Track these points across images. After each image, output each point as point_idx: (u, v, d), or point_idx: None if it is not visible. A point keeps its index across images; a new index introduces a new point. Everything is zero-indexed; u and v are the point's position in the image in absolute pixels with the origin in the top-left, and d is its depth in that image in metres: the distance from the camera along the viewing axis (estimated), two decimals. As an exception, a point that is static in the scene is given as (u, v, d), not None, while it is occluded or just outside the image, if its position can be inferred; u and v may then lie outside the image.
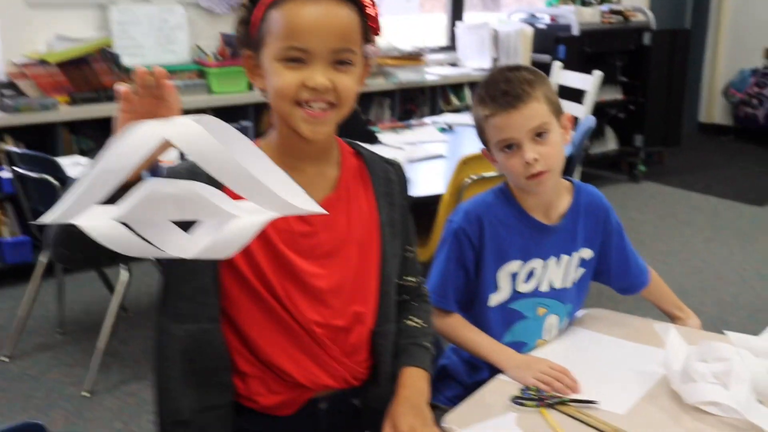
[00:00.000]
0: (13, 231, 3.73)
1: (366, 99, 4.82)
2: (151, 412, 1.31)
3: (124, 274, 2.85)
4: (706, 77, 7.16)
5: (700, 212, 4.92)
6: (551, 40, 5.15)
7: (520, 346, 1.60)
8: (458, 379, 1.70)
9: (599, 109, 4.78)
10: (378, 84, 4.75)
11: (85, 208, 0.86)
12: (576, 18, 5.20)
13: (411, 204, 1.41)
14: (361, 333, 1.32)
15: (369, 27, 1.22)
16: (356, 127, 3.20)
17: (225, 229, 0.87)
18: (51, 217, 0.86)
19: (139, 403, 2.72)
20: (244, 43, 1.24)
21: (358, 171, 1.33)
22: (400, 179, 1.38)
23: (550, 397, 1.37)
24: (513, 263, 1.59)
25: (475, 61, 5.33)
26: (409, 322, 1.41)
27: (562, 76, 4.19)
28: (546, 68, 4.03)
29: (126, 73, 3.96)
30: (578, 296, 1.69)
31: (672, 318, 1.77)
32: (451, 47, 5.61)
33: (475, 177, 2.57)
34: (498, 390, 1.43)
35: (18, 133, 3.68)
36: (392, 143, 3.31)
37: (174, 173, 1.18)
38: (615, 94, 5.61)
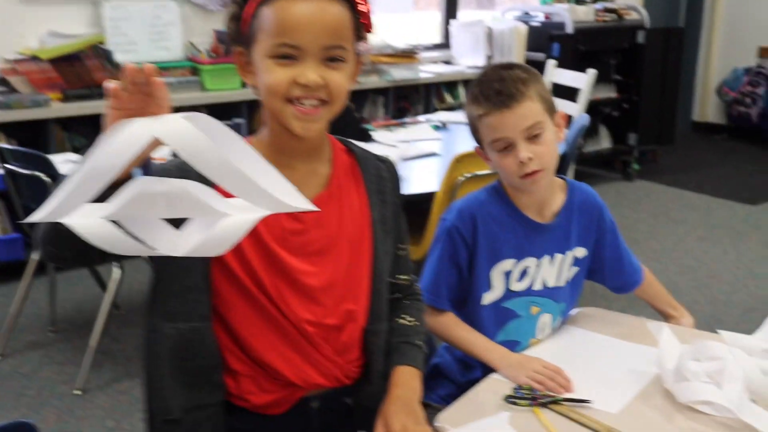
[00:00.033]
0: (5, 228, 3.71)
1: (360, 97, 4.80)
2: (144, 410, 1.31)
3: (116, 272, 2.84)
4: (700, 76, 7.16)
5: (694, 211, 4.93)
6: (545, 38, 5.14)
7: (513, 345, 1.59)
8: (451, 378, 1.69)
9: (593, 108, 4.78)
10: (372, 82, 4.74)
11: (75, 207, 0.86)
12: (570, 16, 5.20)
13: (404, 202, 1.40)
14: (353, 331, 1.31)
15: (361, 24, 1.22)
16: (350, 125, 3.20)
17: (216, 226, 0.86)
18: (40, 215, 0.85)
19: (132, 401, 2.71)
20: (235, 40, 1.23)
21: (349, 168, 1.32)
22: (392, 177, 1.37)
23: (543, 396, 1.37)
24: (506, 262, 1.58)
25: (469, 59, 5.32)
26: (402, 321, 1.40)
27: (556, 74, 4.19)
28: (540, 66, 4.03)
29: (119, 69, 3.94)
30: (572, 295, 1.69)
31: (666, 317, 1.77)
32: (445, 45, 5.60)
33: (468, 175, 2.56)
34: (491, 389, 1.43)
35: (10, 129, 3.66)
36: (386, 141, 3.30)
37: (164, 171, 1.17)
38: (609, 93, 5.61)
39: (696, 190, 5.33)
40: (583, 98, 3.91)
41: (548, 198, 1.61)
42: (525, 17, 5.44)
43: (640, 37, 5.49)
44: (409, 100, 5.09)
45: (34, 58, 3.81)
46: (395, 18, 5.41)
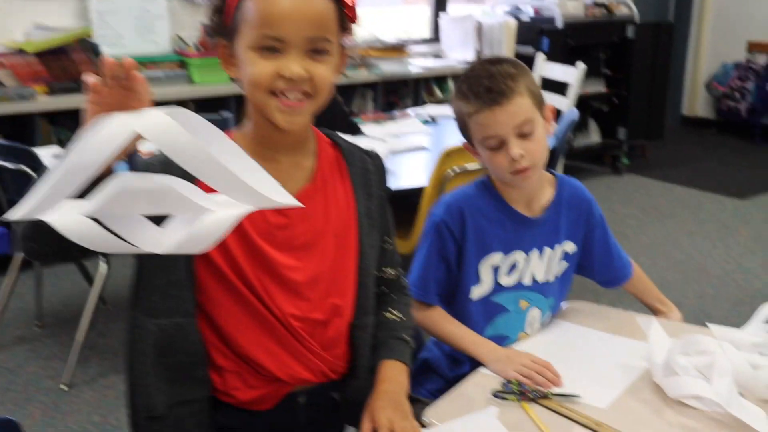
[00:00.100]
0: (-10, 223, 3.68)
1: (349, 91, 4.79)
2: (127, 407, 1.29)
3: (102, 266, 2.81)
4: (689, 70, 7.18)
5: (683, 205, 4.94)
6: (535, 33, 5.14)
7: (502, 340, 1.58)
8: (440, 373, 1.69)
9: (582, 102, 4.79)
10: (361, 75, 4.72)
11: (55, 203, 0.84)
12: (560, 10, 5.19)
13: (393, 196, 1.39)
14: (340, 326, 1.30)
15: (346, 15, 1.20)
16: (339, 119, 3.18)
17: (199, 223, 0.85)
18: (19, 213, 0.84)
19: (118, 396, 2.69)
20: (218, 32, 1.21)
21: (335, 161, 1.31)
22: (378, 170, 1.36)
23: (531, 391, 1.36)
24: (495, 256, 1.57)
25: (458, 53, 5.31)
26: (389, 315, 1.39)
27: (545, 68, 4.19)
28: (529, 60, 4.03)
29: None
30: (561, 290, 1.68)
31: (654, 312, 1.76)
32: (435, 39, 5.59)
33: (457, 169, 2.56)
34: (479, 384, 1.42)
35: (-5, 123, 3.63)
36: (375, 135, 3.28)
37: (147, 166, 1.16)
38: (598, 87, 5.61)
39: (685, 184, 5.35)
40: (573, 93, 3.91)
41: (537, 192, 1.60)
42: (515, 11, 5.43)
43: (630, 31, 5.50)
44: (398, 94, 5.07)
45: (20, 52, 3.78)
46: (385, 12, 5.39)
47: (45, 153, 2.92)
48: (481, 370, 1.47)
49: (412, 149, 3.12)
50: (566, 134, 3.21)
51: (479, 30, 5.24)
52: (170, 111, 0.83)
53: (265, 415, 1.29)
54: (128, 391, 1.27)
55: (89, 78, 0.93)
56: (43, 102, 3.71)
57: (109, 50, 3.99)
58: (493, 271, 1.58)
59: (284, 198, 0.88)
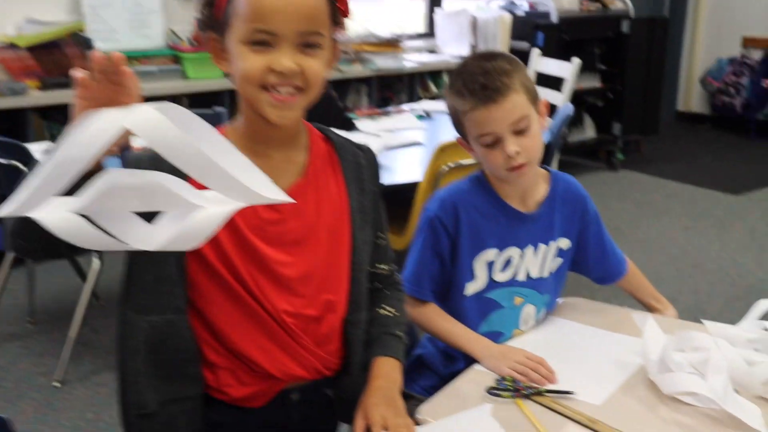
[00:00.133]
0: (-18, 218, 3.66)
1: (343, 86, 4.78)
2: (118, 404, 1.28)
3: (95, 262, 2.80)
4: (684, 66, 7.18)
5: (678, 200, 4.94)
6: (530, 28, 5.13)
7: (496, 336, 1.58)
8: (434, 369, 1.68)
9: (577, 97, 4.77)
10: (355, 71, 4.71)
11: (43, 200, 0.83)
12: (555, 5, 5.19)
13: (387, 191, 1.38)
14: (333, 322, 1.30)
15: (337, 9, 1.19)
16: (333, 114, 3.17)
17: (189, 219, 0.84)
18: (7, 210, 0.83)
19: (111, 393, 2.65)
20: (209, 26, 1.20)
21: (327, 156, 1.30)
22: (371, 164, 1.35)
23: (526, 388, 1.35)
24: (489, 251, 1.57)
25: (453, 48, 5.30)
26: (382, 311, 1.39)
27: (540, 63, 4.18)
28: (524, 55, 4.02)
29: (98, 57, 3.89)
30: (556, 287, 1.67)
31: (649, 309, 1.76)
32: (430, 34, 5.58)
33: (452, 164, 2.55)
34: (473, 380, 1.41)
35: (-14, 118, 3.61)
36: (369, 130, 3.28)
37: (137, 161, 1.14)
38: (593, 82, 5.61)
39: (680, 179, 5.35)
40: (568, 88, 3.90)
41: (531, 187, 1.59)
42: (509, 6, 5.42)
43: (625, 26, 5.49)
44: (392, 90, 5.06)
45: (12, 46, 3.76)
46: (379, 6, 5.38)
47: (37, 148, 2.90)
48: (476, 366, 1.47)
49: (406, 144, 3.11)
50: (561, 129, 3.21)
51: (474, 25, 5.23)
52: (160, 106, 0.82)
53: (257, 412, 1.28)
54: (119, 388, 1.26)
55: (77, 73, 0.92)
56: (36, 97, 3.69)
57: (102, 45, 3.97)
58: (488, 267, 1.57)
59: (275, 194, 0.87)
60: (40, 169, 0.82)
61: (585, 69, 4.68)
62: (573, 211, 1.64)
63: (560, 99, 3.79)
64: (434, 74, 5.22)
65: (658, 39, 5.66)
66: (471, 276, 1.57)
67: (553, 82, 3.95)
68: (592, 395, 1.34)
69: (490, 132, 1.47)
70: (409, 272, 1.58)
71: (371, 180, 1.34)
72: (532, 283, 1.61)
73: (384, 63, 4.83)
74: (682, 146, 6.33)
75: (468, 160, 2.50)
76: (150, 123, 0.81)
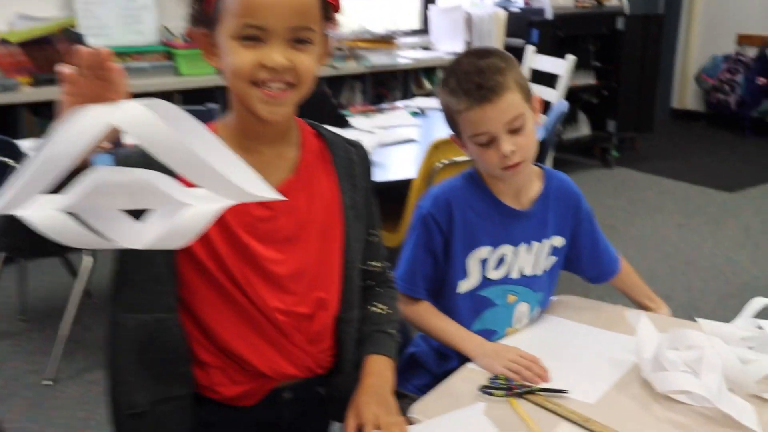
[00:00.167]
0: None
1: (337, 82, 4.76)
2: (107, 404, 1.27)
3: (87, 260, 2.79)
4: (679, 63, 7.19)
5: (672, 198, 4.94)
6: (524, 24, 5.12)
7: (489, 334, 1.57)
8: (427, 368, 1.67)
9: (572, 94, 4.77)
10: (349, 67, 4.69)
11: (30, 198, 0.82)
12: (549, 2, 5.18)
13: (381, 188, 1.37)
14: (325, 320, 1.28)
15: (329, 5, 1.18)
16: (327, 111, 3.16)
17: (179, 217, 0.83)
18: None
19: (103, 391, 2.65)
20: (199, 21, 1.18)
21: (319, 152, 1.29)
22: (363, 161, 1.34)
23: (519, 387, 1.34)
24: (483, 249, 1.56)
25: (447, 44, 5.29)
26: (374, 309, 1.38)
27: (535, 60, 4.17)
28: (519, 52, 4.02)
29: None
30: (549, 285, 1.67)
31: (643, 308, 1.75)
32: (424, 30, 5.57)
33: (446, 161, 2.54)
34: (466, 379, 1.40)
35: (-22, 114, 3.59)
36: (363, 127, 3.27)
37: (126, 159, 1.13)
38: (588, 79, 5.61)
39: (674, 177, 5.35)
40: (562, 85, 3.90)
41: (525, 185, 1.58)
42: (504, 3, 5.41)
43: (620, 23, 5.49)
44: (387, 86, 5.05)
45: (3, 42, 3.73)
46: (373, 3, 5.36)
47: (29, 145, 2.89)
48: (469, 365, 1.46)
49: (400, 141, 3.10)
50: (555, 126, 3.20)
51: (468, 21, 5.22)
52: (149, 103, 0.81)
53: (249, 411, 1.27)
54: (109, 387, 1.25)
55: (64, 68, 0.91)
56: (27, 93, 3.67)
57: (94, 41, 3.94)
58: (481, 265, 1.57)
59: (265, 191, 0.86)
60: (26, 167, 0.81)
61: (580, 66, 4.68)
62: (566, 209, 1.63)
63: (555, 96, 3.78)
64: (428, 71, 5.21)
65: (653, 36, 5.66)
66: (464, 274, 1.57)
67: (547, 79, 3.94)
68: (586, 394, 1.33)
69: (485, 131, 1.46)
70: (402, 270, 1.57)
71: (363, 176, 1.33)
72: (525, 280, 1.60)
73: (378, 59, 4.82)
74: (677, 143, 6.33)
75: (462, 157, 2.49)
76: (138, 120, 0.80)
